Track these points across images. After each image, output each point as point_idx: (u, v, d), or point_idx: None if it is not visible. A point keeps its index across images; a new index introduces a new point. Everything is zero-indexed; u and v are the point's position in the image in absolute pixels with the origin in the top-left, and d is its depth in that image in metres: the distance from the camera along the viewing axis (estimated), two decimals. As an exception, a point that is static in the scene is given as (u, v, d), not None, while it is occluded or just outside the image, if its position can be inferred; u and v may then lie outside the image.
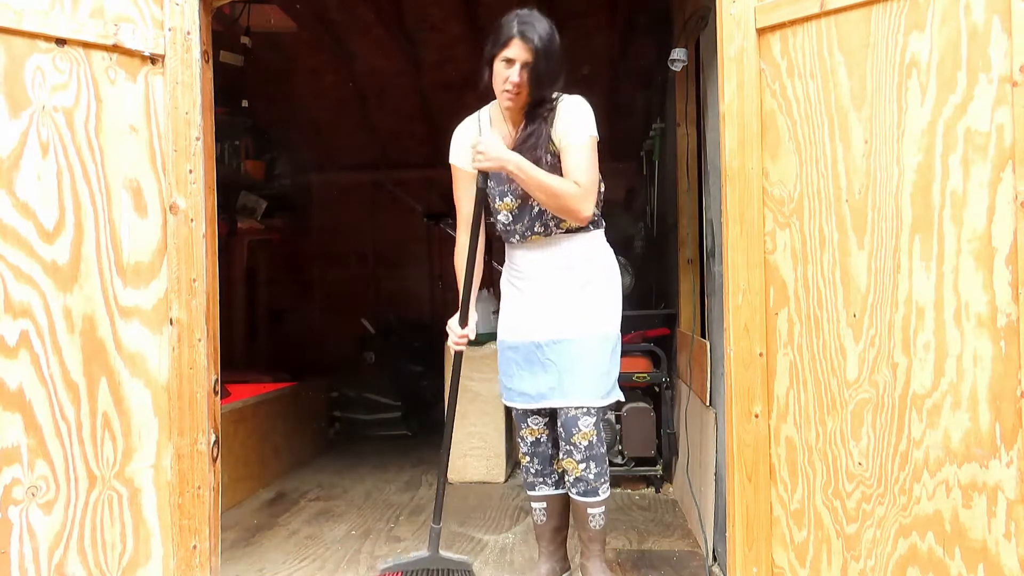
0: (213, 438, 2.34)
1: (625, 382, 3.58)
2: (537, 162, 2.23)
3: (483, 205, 2.33)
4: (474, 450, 4.01)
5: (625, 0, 4.30)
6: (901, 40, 1.88)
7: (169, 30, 2.28)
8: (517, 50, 2.18)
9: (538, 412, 2.45)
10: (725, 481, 2.29)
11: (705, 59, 2.92)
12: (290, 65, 5.03)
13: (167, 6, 2.28)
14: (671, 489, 3.74)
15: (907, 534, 1.89)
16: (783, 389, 2.09)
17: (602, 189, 2.39)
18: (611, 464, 3.65)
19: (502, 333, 2.48)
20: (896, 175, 1.89)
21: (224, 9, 2.91)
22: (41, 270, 2.14)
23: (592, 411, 2.28)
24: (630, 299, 3.97)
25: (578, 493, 2.32)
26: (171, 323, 2.29)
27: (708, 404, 2.89)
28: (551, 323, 2.33)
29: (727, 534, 2.20)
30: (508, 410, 2.55)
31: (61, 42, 2.17)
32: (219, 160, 3.05)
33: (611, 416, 3.67)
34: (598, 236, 2.41)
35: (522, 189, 2.26)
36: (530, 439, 2.47)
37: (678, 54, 3.20)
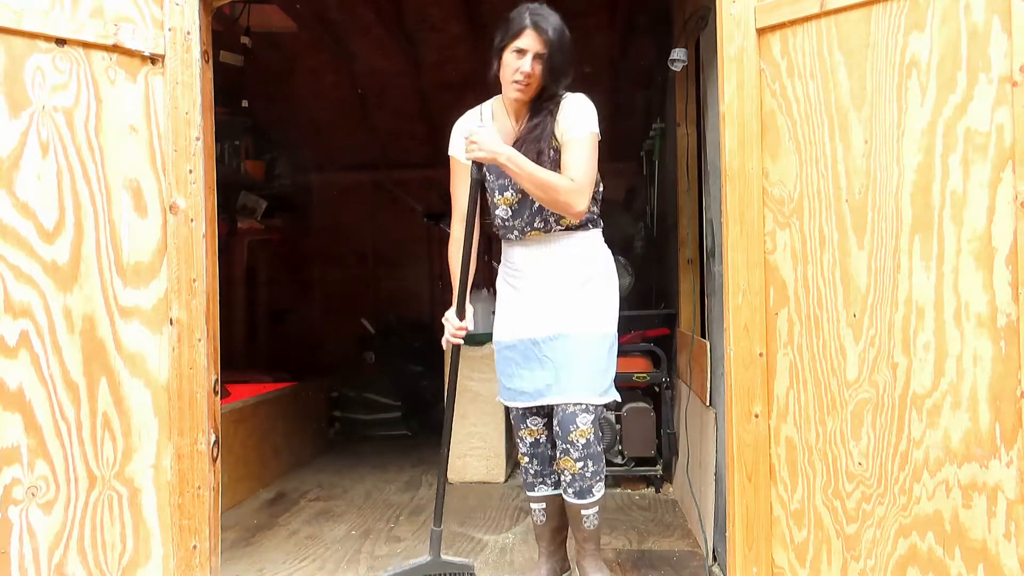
0: (213, 438, 2.34)
1: (625, 382, 3.59)
2: (540, 154, 2.23)
3: (478, 197, 2.32)
4: (474, 450, 4.01)
5: (625, 0, 4.30)
6: (901, 40, 1.88)
7: (169, 30, 2.28)
8: (529, 40, 2.18)
9: (537, 413, 2.44)
10: (725, 481, 2.29)
11: (705, 59, 2.92)
12: (290, 65, 5.03)
13: (167, 6, 2.28)
14: (671, 489, 3.74)
15: (907, 534, 1.89)
16: (783, 389, 2.09)
17: (600, 189, 2.39)
18: (611, 464, 3.66)
19: (499, 333, 2.46)
20: (896, 175, 1.89)
21: (224, 9, 2.91)
22: (41, 270, 2.14)
23: (590, 408, 2.26)
24: (630, 299, 3.98)
25: (573, 494, 2.30)
26: (171, 323, 2.29)
27: (708, 404, 2.89)
28: (549, 320, 2.32)
29: (727, 534, 2.20)
30: (508, 410, 2.52)
31: (61, 42, 2.17)
32: (219, 160, 3.05)
33: (611, 416, 3.67)
34: (596, 236, 2.41)
35: None
36: (529, 440, 2.46)
37: (678, 54, 3.20)
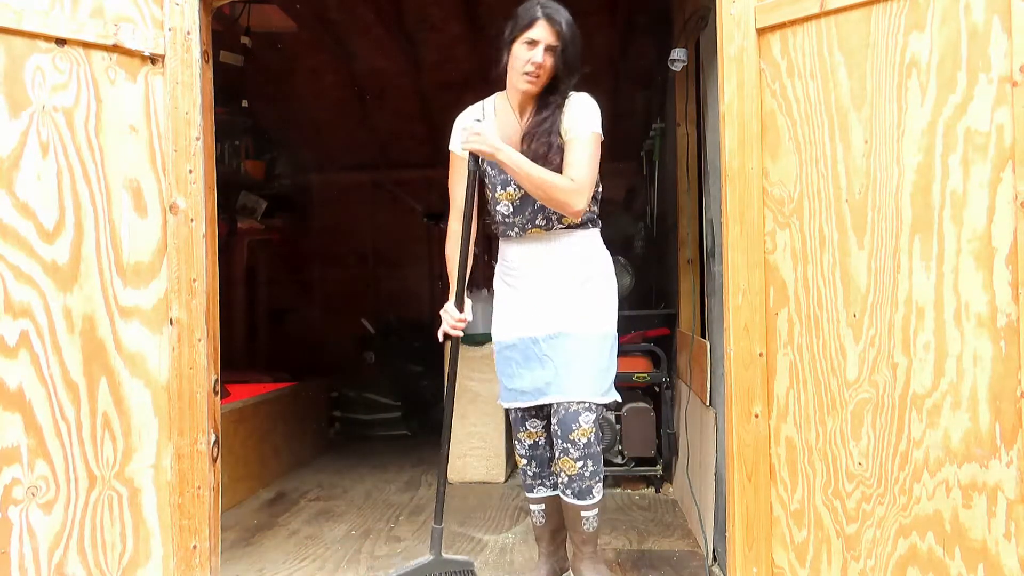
0: (213, 438, 2.34)
1: (625, 382, 3.59)
2: (551, 148, 2.22)
3: (475, 189, 2.31)
4: (474, 450, 4.01)
5: (625, 0, 4.30)
6: (901, 40, 1.88)
7: (169, 30, 2.28)
8: (542, 31, 2.18)
9: (536, 415, 2.42)
10: (725, 481, 2.29)
11: (705, 59, 2.92)
12: (290, 65, 5.03)
13: (167, 6, 2.28)
14: (671, 489, 3.74)
15: (907, 534, 1.89)
16: (783, 389, 2.09)
17: (599, 189, 2.38)
18: (611, 464, 3.66)
19: (498, 334, 2.44)
20: (896, 175, 1.89)
21: (224, 9, 2.91)
22: (41, 270, 2.14)
23: (592, 407, 2.24)
24: (630, 299, 3.99)
25: (572, 495, 2.27)
26: (171, 323, 2.29)
27: (708, 404, 2.89)
28: (549, 318, 2.31)
29: (727, 534, 2.20)
30: (507, 411, 2.51)
31: (61, 42, 2.17)
32: (219, 160, 3.05)
33: (611, 416, 3.67)
34: (595, 235, 2.40)
35: None
36: (528, 442, 2.45)
37: (678, 54, 3.20)
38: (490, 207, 2.42)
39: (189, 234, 2.30)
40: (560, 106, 2.27)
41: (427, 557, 2.30)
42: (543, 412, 2.42)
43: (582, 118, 2.25)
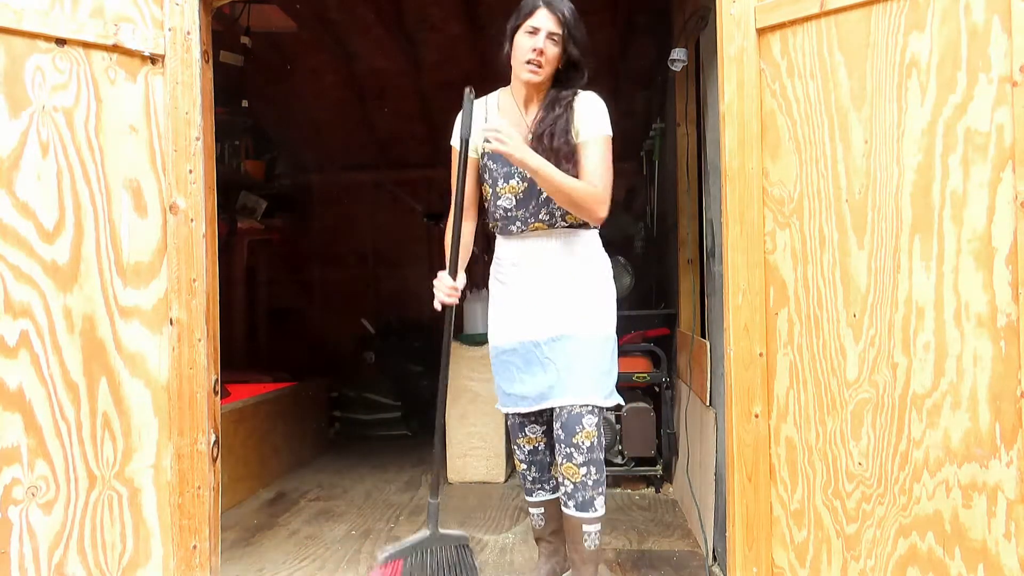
0: (213, 438, 2.34)
1: (625, 382, 3.59)
2: (570, 148, 2.19)
3: (476, 179, 2.32)
4: (474, 450, 4.01)
5: (625, 0, 4.30)
6: (901, 40, 1.88)
7: (169, 30, 2.28)
8: (542, 19, 2.16)
9: (536, 420, 2.39)
10: (725, 481, 2.29)
11: (705, 59, 2.92)
12: (290, 65, 5.03)
13: (167, 6, 2.28)
14: (671, 489, 3.74)
15: (907, 534, 1.89)
16: (783, 389, 2.09)
17: None
18: (611, 464, 3.66)
19: (496, 337, 2.40)
20: (896, 175, 1.89)
21: (224, 9, 2.91)
22: (41, 270, 2.14)
23: (595, 411, 2.20)
24: (630, 299, 3.99)
25: (575, 507, 2.21)
26: (171, 323, 2.29)
27: (708, 404, 2.89)
28: (549, 321, 2.27)
29: (727, 534, 2.20)
30: (506, 415, 2.49)
31: (61, 42, 2.17)
32: (219, 160, 3.05)
33: (611, 416, 3.67)
34: (595, 236, 2.37)
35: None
36: (528, 448, 2.43)
37: (678, 54, 3.20)
38: (488, 204, 2.37)
39: (189, 234, 2.30)
40: (571, 103, 2.23)
41: (424, 532, 2.27)
42: (542, 417, 2.39)
43: (593, 120, 2.22)
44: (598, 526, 2.24)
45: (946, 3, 1.82)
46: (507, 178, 2.29)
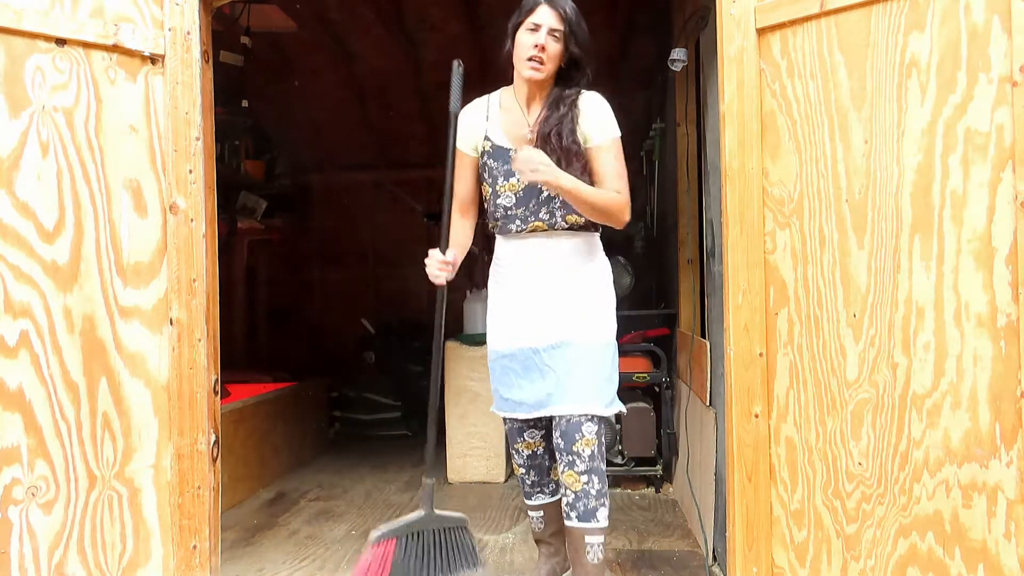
0: (213, 438, 2.34)
1: (625, 382, 3.59)
2: (579, 148, 2.18)
3: (476, 178, 2.32)
4: (474, 450, 4.00)
5: (625, 0, 4.30)
6: (901, 40, 1.88)
7: (169, 30, 2.28)
8: (544, 16, 2.15)
9: (534, 425, 2.37)
10: (725, 481, 2.29)
11: (705, 59, 2.92)
12: (290, 65, 5.03)
13: (167, 6, 2.28)
14: (671, 489, 3.74)
15: (907, 534, 1.89)
16: (783, 389, 2.09)
17: None
18: (611, 464, 3.66)
19: (495, 342, 2.37)
20: (896, 175, 1.89)
21: (224, 9, 2.91)
22: (41, 270, 2.14)
23: (595, 418, 2.17)
24: (630, 299, 3.99)
25: (577, 517, 2.16)
26: (171, 323, 2.29)
27: (708, 404, 2.89)
28: (549, 327, 2.24)
29: (727, 534, 2.20)
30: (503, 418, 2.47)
31: (61, 42, 2.17)
32: (219, 160, 3.05)
33: (611, 417, 3.66)
34: (596, 239, 2.34)
35: None
36: (526, 452, 2.41)
37: (678, 54, 3.20)
38: (488, 204, 2.35)
39: (189, 234, 2.30)
40: (575, 102, 2.21)
41: (419, 512, 2.24)
42: (541, 422, 2.37)
43: (602, 123, 2.21)
44: (601, 538, 2.19)
45: (946, 3, 1.82)
46: (507, 176, 2.27)
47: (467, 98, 2.45)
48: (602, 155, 2.20)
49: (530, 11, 2.17)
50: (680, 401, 3.58)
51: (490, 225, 2.39)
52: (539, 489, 2.46)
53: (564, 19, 2.16)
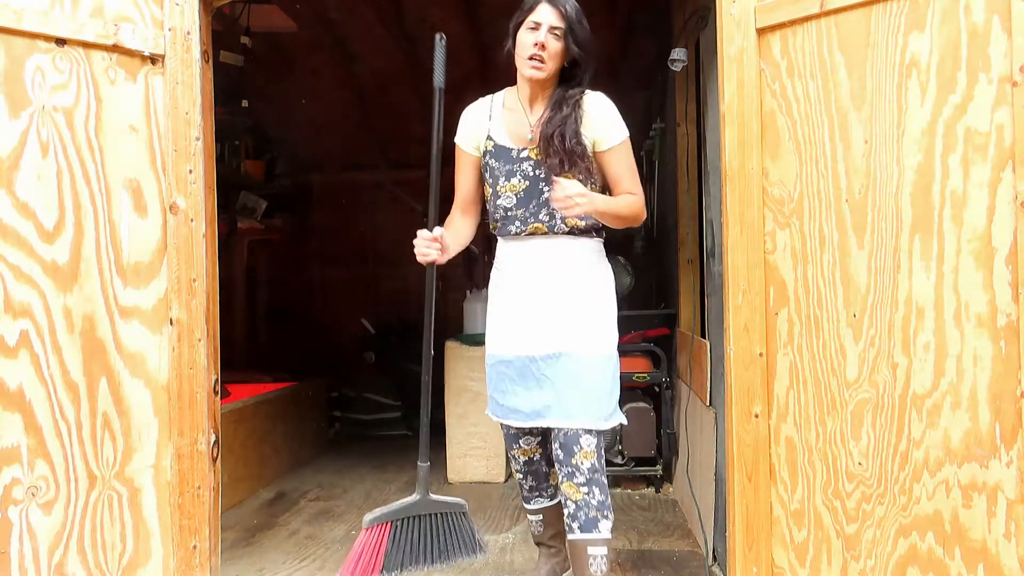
0: (213, 438, 2.34)
1: (625, 382, 3.59)
2: (583, 149, 2.17)
3: (477, 178, 2.33)
4: (474, 450, 4.01)
5: (625, 0, 4.30)
6: (901, 40, 1.88)
7: (169, 30, 2.28)
8: (545, 14, 2.13)
9: (531, 431, 2.35)
10: (725, 481, 2.28)
11: (705, 59, 2.92)
12: (290, 65, 5.03)
13: (167, 6, 2.28)
14: (671, 489, 3.74)
15: (907, 534, 1.89)
16: (783, 389, 2.09)
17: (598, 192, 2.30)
18: (611, 464, 3.66)
19: (493, 346, 2.35)
20: (896, 175, 1.89)
21: (224, 9, 2.91)
22: (41, 270, 2.14)
23: (594, 431, 2.15)
24: (630, 299, 3.98)
25: (578, 527, 2.13)
26: (171, 323, 2.29)
27: (708, 404, 2.89)
28: (548, 336, 2.20)
29: (727, 534, 2.20)
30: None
31: (61, 42, 2.17)
32: (219, 160, 3.05)
33: (611, 417, 3.66)
34: (599, 245, 2.31)
35: (532, 171, 2.20)
36: (523, 459, 2.40)
37: (678, 54, 3.20)
38: (489, 204, 2.34)
39: (189, 234, 2.30)
40: (579, 102, 2.19)
41: (414, 496, 2.21)
42: (536, 429, 2.35)
43: (611, 125, 2.21)
44: (604, 550, 2.14)
45: (946, 3, 1.82)
46: (508, 176, 2.26)
47: (470, 99, 2.46)
48: (615, 158, 2.21)
49: (530, 9, 2.16)
50: (680, 401, 3.58)
51: (491, 226, 2.37)
52: (538, 493, 2.45)
53: (564, 17, 2.14)
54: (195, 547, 2.29)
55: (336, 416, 5.36)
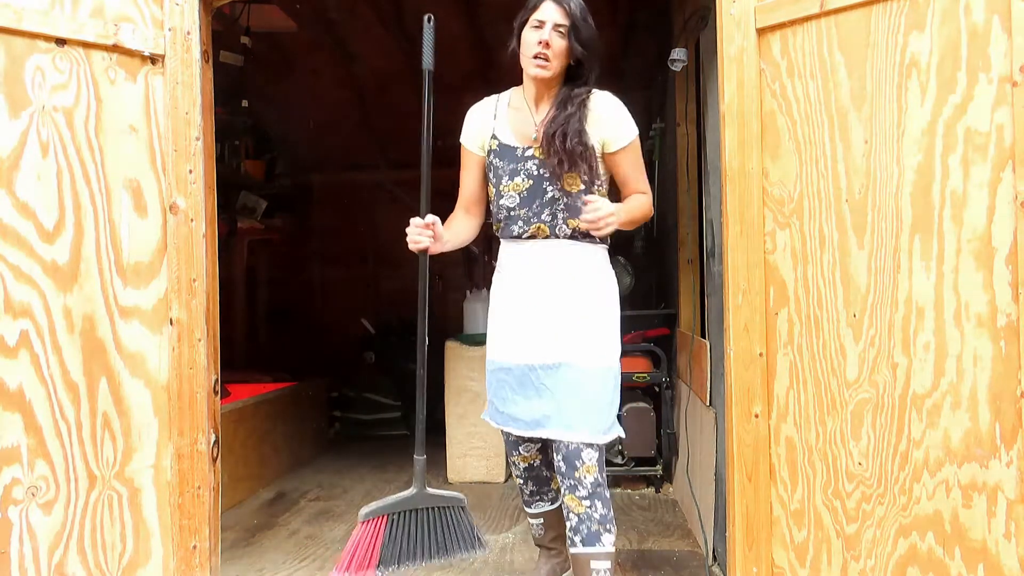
0: (213, 438, 2.34)
1: (625, 382, 3.60)
2: (585, 148, 2.14)
3: (481, 177, 2.34)
4: (474, 450, 4.00)
5: (625, 0, 4.30)
6: (901, 40, 1.88)
7: (169, 30, 2.28)
8: (549, 11, 2.12)
9: (530, 439, 2.33)
10: (725, 481, 2.28)
11: (705, 59, 2.92)
12: (290, 65, 5.03)
13: (167, 6, 2.28)
14: (671, 489, 3.74)
15: (907, 534, 1.89)
16: (783, 389, 2.09)
17: (604, 192, 2.28)
18: (611, 464, 3.66)
19: (493, 352, 2.33)
20: (896, 175, 1.89)
21: (224, 9, 2.91)
22: (41, 270, 2.14)
23: (595, 445, 2.12)
24: (630, 299, 3.98)
25: (581, 541, 2.10)
26: (171, 323, 2.29)
27: (708, 404, 2.89)
28: (548, 345, 2.18)
29: (727, 534, 2.20)
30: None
31: (61, 42, 2.17)
32: (219, 160, 3.05)
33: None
34: (603, 252, 2.28)
35: (536, 170, 2.19)
36: (523, 465, 2.39)
37: (678, 54, 3.20)
38: (493, 205, 2.33)
39: (189, 234, 2.30)
40: (585, 102, 2.17)
41: (410, 490, 2.19)
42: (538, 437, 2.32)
43: (620, 125, 2.20)
44: (607, 563, 2.10)
45: (946, 3, 1.82)
46: (512, 175, 2.24)
47: (470, 99, 2.46)
48: (626, 158, 2.21)
49: (534, 8, 2.15)
50: (680, 401, 3.58)
51: (494, 227, 2.36)
52: (539, 498, 2.45)
53: (569, 14, 2.12)
54: (195, 547, 2.29)
55: (336, 416, 5.36)
